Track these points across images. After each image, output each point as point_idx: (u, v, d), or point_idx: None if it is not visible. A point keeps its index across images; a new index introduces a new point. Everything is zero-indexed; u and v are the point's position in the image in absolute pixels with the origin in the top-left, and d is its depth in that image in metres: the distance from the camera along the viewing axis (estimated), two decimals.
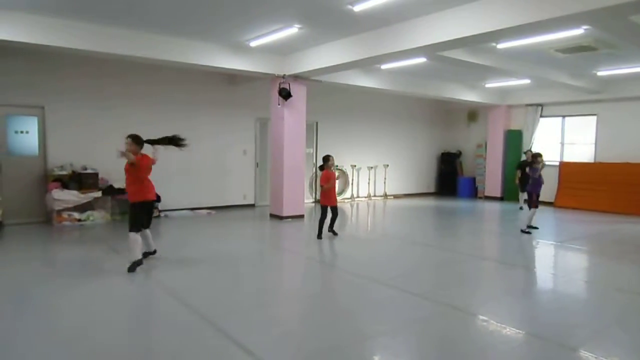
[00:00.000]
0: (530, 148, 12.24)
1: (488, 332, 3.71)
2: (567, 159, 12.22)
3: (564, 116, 12.36)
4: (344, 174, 12.54)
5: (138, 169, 5.13)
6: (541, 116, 12.59)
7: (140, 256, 5.17)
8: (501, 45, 7.27)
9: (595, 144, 11.69)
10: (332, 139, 12.08)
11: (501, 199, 13.21)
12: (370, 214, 10.87)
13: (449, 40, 5.90)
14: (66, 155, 8.30)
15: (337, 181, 7.74)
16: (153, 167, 5.44)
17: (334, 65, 7.77)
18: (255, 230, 8.55)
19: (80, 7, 5.96)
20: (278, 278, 5.54)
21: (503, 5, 5.25)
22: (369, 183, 13.07)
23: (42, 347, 3.24)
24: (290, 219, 8.99)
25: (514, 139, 13.11)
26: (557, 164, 12.05)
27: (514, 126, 13.28)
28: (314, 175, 11.81)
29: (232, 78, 10.14)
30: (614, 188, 10.86)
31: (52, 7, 5.96)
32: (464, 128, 14.75)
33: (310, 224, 8.74)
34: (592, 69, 9.35)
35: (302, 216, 9.24)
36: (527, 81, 10.56)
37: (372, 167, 13.10)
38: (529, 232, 7.86)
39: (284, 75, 8.65)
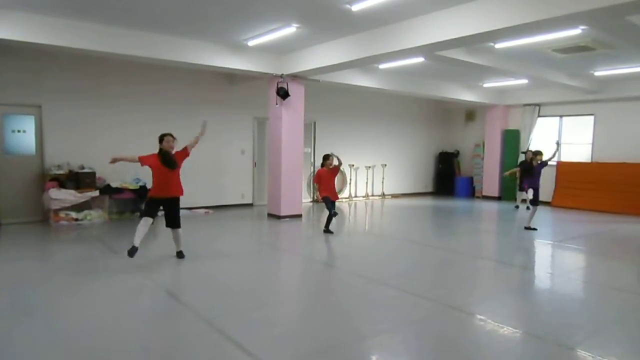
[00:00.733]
0: (529, 148, 12.26)
1: (486, 331, 3.72)
2: (565, 159, 12.25)
3: (561, 116, 12.39)
4: (342, 173, 12.55)
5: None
6: (539, 116, 12.62)
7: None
8: (499, 45, 7.28)
9: (593, 143, 11.73)
10: (330, 138, 12.08)
11: (499, 198, 13.24)
12: (368, 213, 10.88)
13: (446, 40, 5.90)
14: (63, 155, 8.27)
15: (335, 178, 7.69)
16: (152, 167, 5.47)
17: (332, 65, 7.77)
18: (253, 229, 8.54)
19: (78, 6, 5.94)
20: (276, 278, 5.53)
21: (501, 5, 5.26)
22: (366, 183, 13.08)
23: (40, 347, 3.23)
24: (288, 219, 8.99)
25: (512, 138, 13.13)
26: (555, 163, 12.08)
27: (512, 126, 13.31)
28: (312, 174, 11.82)
29: (230, 77, 10.13)
30: (611, 188, 10.89)
31: (49, 6, 5.94)
32: (461, 128, 14.78)
33: (308, 224, 8.74)
34: (589, 69, 9.37)
35: (299, 216, 9.24)
36: (524, 81, 10.58)
37: (370, 167, 13.11)
38: (535, 229, 8.08)
39: (282, 74, 8.64)
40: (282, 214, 9.00)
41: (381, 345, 3.44)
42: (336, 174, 7.68)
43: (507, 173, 10.90)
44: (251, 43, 7.59)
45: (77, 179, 8.08)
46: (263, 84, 9.38)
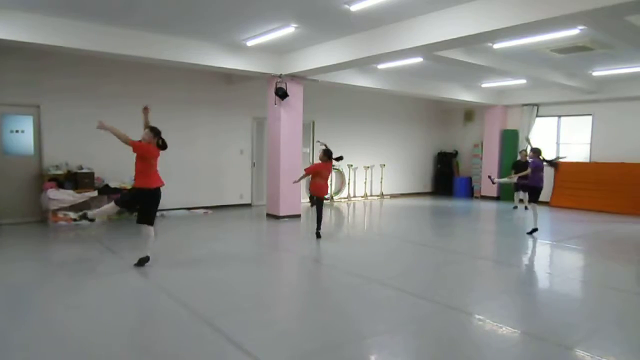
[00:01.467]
0: (525, 148, 12.27)
1: (484, 331, 3.72)
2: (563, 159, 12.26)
3: (559, 116, 12.41)
4: (340, 173, 12.55)
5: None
6: (537, 116, 12.63)
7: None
8: (497, 45, 7.29)
9: (591, 143, 11.74)
10: (329, 138, 12.05)
11: (497, 198, 13.25)
12: (366, 213, 10.88)
13: (445, 40, 5.91)
14: (62, 155, 8.26)
15: (330, 175, 7.46)
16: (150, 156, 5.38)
17: (330, 65, 7.77)
18: (252, 230, 8.53)
19: (76, 6, 5.93)
20: (275, 278, 5.53)
21: (499, 5, 5.27)
22: (365, 183, 13.08)
23: (38, 347, 3.22)
24: (287, 219, 8.98)
25: (510, 138, 13.14)
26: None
27: (510, 126, 13.32)
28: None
29: (229, 77, 10.12)
30: (610, 188, 10.91)
31: (48, 6, 5.93)
32: (460, 128, 14.78)
33: (307, 224, 8.73)
34: (587, 69, 9.38)
35: (298, 216, 9.24)
36: (523, 81, 10.59)
37: (368, 167, 13.11)
38: (535, 229, 7.70)
39: (281, 74, 8.64)
40: (281, 214, 8.99)
41: (380, 345, 3.44)
42: (329, 169, 7.42)
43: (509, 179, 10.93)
44: (250, 43, 7.59)
45: (76, 179, 8.07)
46: (262, 84, 9.37)
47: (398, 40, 6.48)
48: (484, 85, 12.00)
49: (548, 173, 11.85)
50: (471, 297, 4.65)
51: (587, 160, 11.74)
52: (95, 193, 8.17)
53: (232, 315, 3.89)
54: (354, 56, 7.26)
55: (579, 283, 5.30)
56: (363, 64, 8.29)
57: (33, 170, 8.15)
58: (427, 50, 6.57)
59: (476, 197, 13.78)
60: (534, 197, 8.06)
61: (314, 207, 7.32)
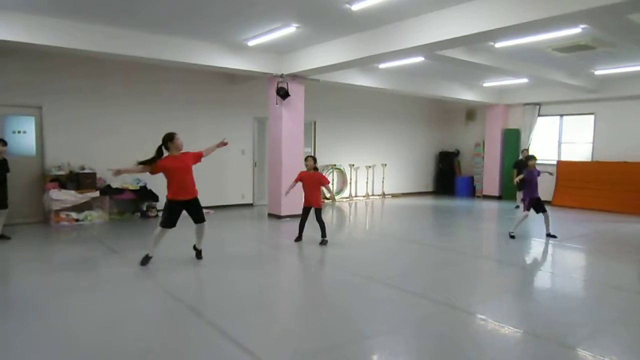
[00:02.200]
0: (528, 147, 12.27)
1: (486, 330, 3.72)
2: (565, 158, 12.24)
3: (561, 115, 12.38)
4: (342, 173, 12.55)
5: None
6: (539, 115, 12.61)
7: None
8: (499, 45, 7.28)
9: (593, 143, 11.71)
10: (331, 138, 12.09)
11: (499, 198, 13.23)
12: (368, 213, 10.87)
13: (446, 40, 5.90)
14: (64, 155, 8.28)
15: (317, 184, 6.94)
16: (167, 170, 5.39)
17: (332, 65, 7.77)
18: (254, 229, 8.54)
19: (78, 7, 5.94)
20: (276, 277, 5.53)
21: (501, 4, 5.26)
22: (367, 182, 13.08)
23: (40, 347, 3.23)
24: (288, 219, 8.98)
25: (512, 138, 13.12)
26: (555, 163, 12.08)
27: (512, 125, 13.30)
28: None
29: (230, 77, 10.13)
30: (612, 187, 10.88)
31: (49, 7, 5.94)
32: (462, 127, 14.76)
33: (308, 224, 8.72)
34: (589, 67, 9.36)
35: (300, 216, 9.22)
36: (525, 80, 10.57)
37: (370, 166, 13.10)
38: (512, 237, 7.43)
39: (282, 74, 8.64)
40: (283, 213, 8.99)
41: (382, 345, 3.44)
42: (318, 180, 6.88)
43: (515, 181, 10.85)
44: (251, 43, 7.59)
45: (78, 180, 8.09)
46: (263, 83, 9.38)
47: (399, 40, 6.47)
48: (485, 85, 11.98)
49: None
50: (473, 296, 4.65)
51: (589, 160, 11.72)
52: (97, 193, 8.19)
53: (234, 315, 3.89)
54: (355, 56, 7.26)
55: (580, 282, 5.29)
56: (364, 64, 8.28)
57: (35, 171, 8.17)
58: (428, 49, 6.57)
59: (478, 197, 13.76)
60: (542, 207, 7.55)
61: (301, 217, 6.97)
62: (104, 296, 4.38)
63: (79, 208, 8.07)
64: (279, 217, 9.01)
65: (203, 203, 5.57)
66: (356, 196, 12.90)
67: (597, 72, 9.67)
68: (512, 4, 5.14)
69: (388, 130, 13.55)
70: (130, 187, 8.66)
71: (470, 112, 14.40)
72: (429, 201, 12.97)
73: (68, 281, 4.85)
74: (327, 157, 12.03)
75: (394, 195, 13.61)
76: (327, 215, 10.17)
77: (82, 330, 3.56)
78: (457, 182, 14.37)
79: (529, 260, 6.43)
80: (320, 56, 7.89)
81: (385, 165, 13.40)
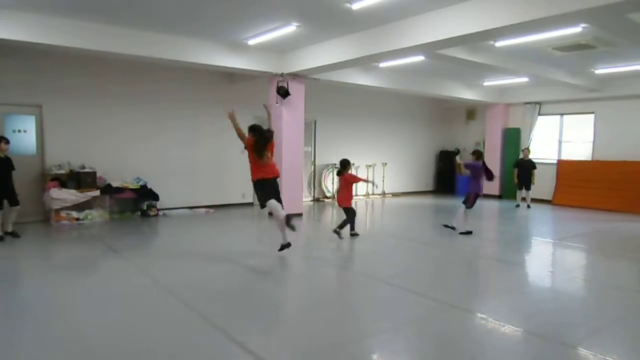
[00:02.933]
0: (528, 146, 12.27)
1: (487, 329, 3.72)
2: (565, 157, 12.24)
3: (562, 114, 12.37)
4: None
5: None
6: (539, 114, 12.60)
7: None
8: (499, 44, 7.27)
9: (593, 142, 11.71)
10: (331, 137, 12.08)
11: (499, 197, 13.23)
12: (369, 212, 10.87)
13: (447, 39, 5.90)
14: (64, 154, 8.27)
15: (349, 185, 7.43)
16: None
17: (332, 64, 7.76)
18: (254, 228, 8.54)
19: (78, 6, 5.94)
20: (277, 276, 5.53)
21: (501, 3, 5.25)
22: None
23: (40, 346, 3.23)
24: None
25: (512, 137, 13.12)
26: (555, 162, 12.09)
27: (512, 124, 13.29)
28: (312, 173, 11.83)
29: (231, 76, 10.12)
30: (612, 186, 10.88)
31: (49, 6, 5.94)
32: (462, 126, 14.76)
33: (309, 222, 8.74)
34: (590, 67, 9.35)
35: (300, 214, 9.24)
36: (525, 79, 10.56)
37: (370, 165, 13.10)
38: (469, 233, 7.61)
39: (282, 73, 8.64)
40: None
41: (382, 343, 3.44)
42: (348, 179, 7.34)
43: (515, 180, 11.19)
44: (251, 42, 7.59)
45: (78, 179, 8.09)
46: (263, 83, 9.37)
47: (399, 39, 6.47)
48: (485, 84, 11.97)
49: (549, 172, 11.90)
50: (473, 295, 4.65)
51: (590, 159, 11.71)
52: (97, 192, 8.19)
53: (234, 314, 3.90)
54: (355, 55, 7.25)
55: (581, 281, 5.30)
56: (365, 63, 8.28)
57: (35, 170, 8.17)
58: (428, 48, 6.56)
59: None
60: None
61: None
62: (104, 295, 4.38)
63: (80, 207, 8.07)
64: None
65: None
66: (356, 195, 12.88)
67: (598, 71, 9.66)
68: (512, 2, 5.14)
69: (388, 130, 13.54)
70: (131, 186, 8.65)
71: (471, 111, 14.39)
72: (429, 200, 12.97)
73: (68, 280, 4.85)
74: (328, 156, 12.03)
75: (394, 194, 13.61)
76: (328, 215, 10.17)
77: (82, 329, 3.56)
78: (458, 181, 14.35)
79: (529, 259, 6.44)
80: (320, 55, 7.89)
81: (386, 164, 13.39)
